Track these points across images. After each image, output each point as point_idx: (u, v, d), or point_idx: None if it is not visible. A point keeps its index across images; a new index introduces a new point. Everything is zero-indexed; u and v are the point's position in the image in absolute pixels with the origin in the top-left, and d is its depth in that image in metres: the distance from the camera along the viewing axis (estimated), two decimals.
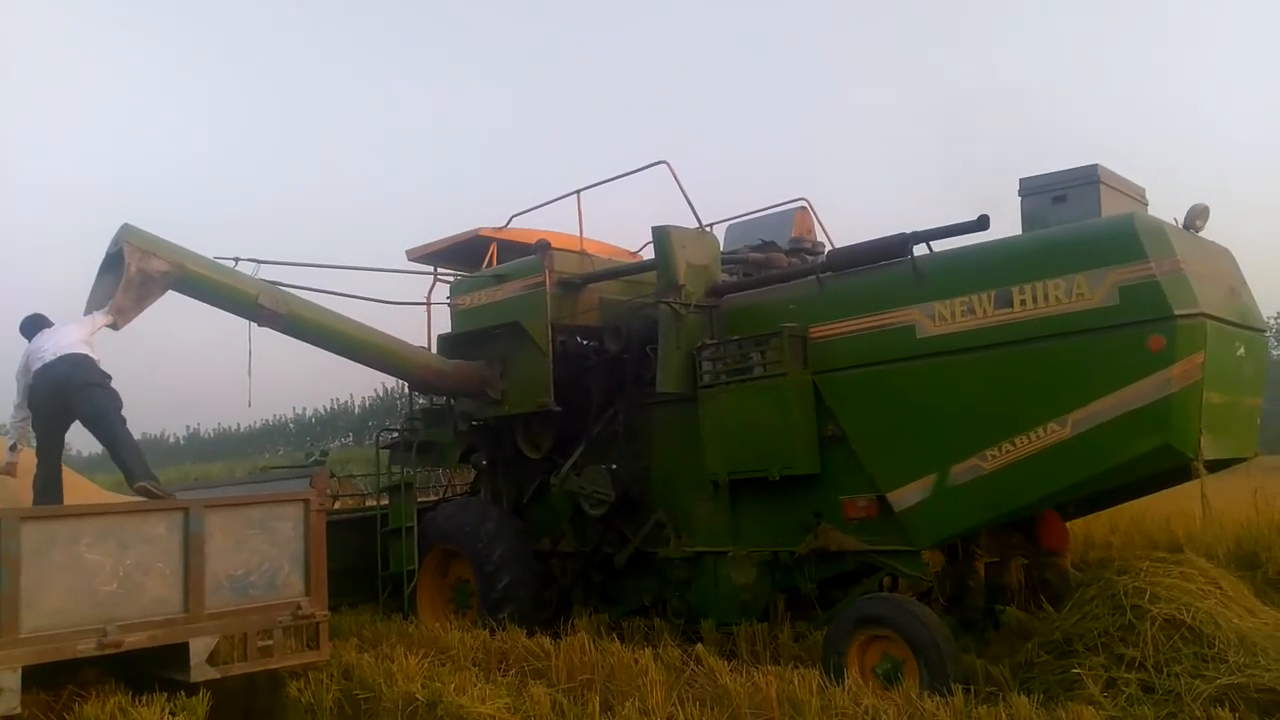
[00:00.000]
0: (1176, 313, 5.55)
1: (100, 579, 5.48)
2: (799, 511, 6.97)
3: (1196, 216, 6.43)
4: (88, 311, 7.08)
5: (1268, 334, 7.19)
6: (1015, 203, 6.74)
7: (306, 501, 6.39)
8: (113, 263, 7.22)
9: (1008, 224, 6.67)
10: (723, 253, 8.24)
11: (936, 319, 6.34)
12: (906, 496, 6.44)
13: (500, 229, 9.70)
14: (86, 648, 5.31)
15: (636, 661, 5.90)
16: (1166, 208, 6.52)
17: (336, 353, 8.44)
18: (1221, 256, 6.64)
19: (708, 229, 8.23)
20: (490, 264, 9.39)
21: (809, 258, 8.55)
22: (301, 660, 6.18)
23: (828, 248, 8.60)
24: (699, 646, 6.33)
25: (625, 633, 7.56)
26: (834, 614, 6.63)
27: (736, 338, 7.29)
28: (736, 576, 7.36)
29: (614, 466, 8.24)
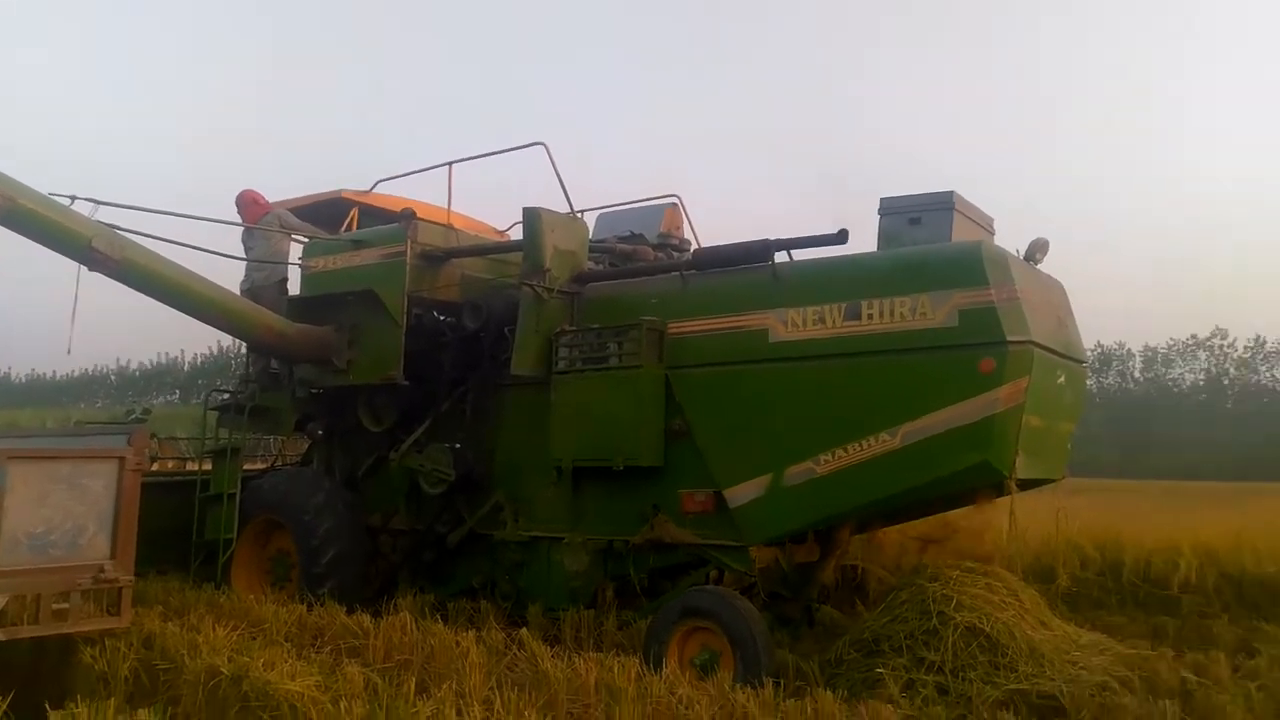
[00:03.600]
0: (1008, 339, 5.87)
1: None
2: (638, 502, 7.05)
3: (1037, 250, 6.82)
4: None
5: (1087, 365, 7.70)
6: (874, 221, 7.00)
7: (122, 460, 6.04)
8: None
9: (866, 240, 6.95)
10: (591, 241, 8.23)
11: (789, 325, 6.51)
12: (742, 494, 6.61)
13: (364, 193, 9.41)
14: None
15: (458, 643, 5.82)
16: (1012, 239, 6.91)
17: (173, 306, 7.98)
18: (1055, 289, 7.06)
19: (579, 215, 8.20)
20: (350, 228, 9.08)
21: (675, 254, 8.66)
22: (99, 626, 5.82)
23: (694, 246, 8.72)
24: (523, 631, 6.31)
25: (450, 614, 7.46)
26: (660, 604, 6.74)
27: (596, 326, 7.29)
28: (570, 563, 7.39)
29: (458, 445, 8.12)
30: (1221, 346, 78.54)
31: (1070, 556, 8.69)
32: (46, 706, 4.37)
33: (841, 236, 6.65)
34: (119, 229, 7.56)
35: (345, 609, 6.90)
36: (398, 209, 8.61)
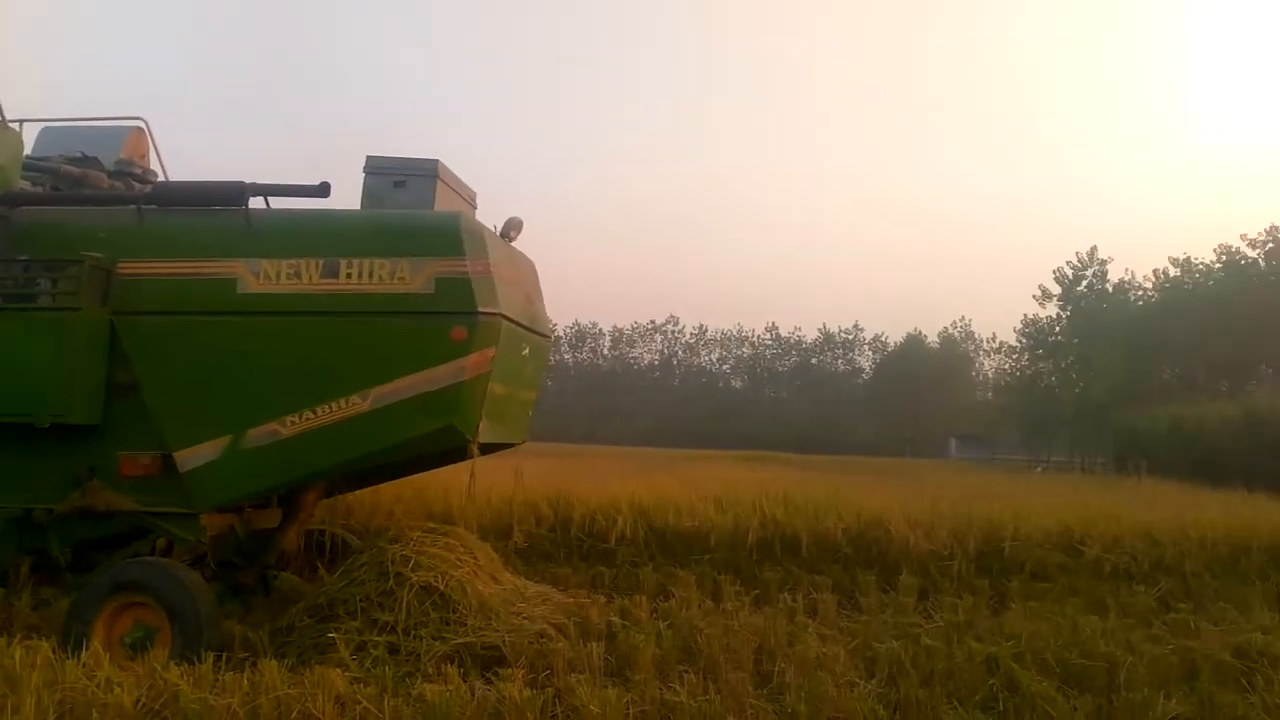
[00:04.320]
0: (479, 309, 6.06)
1: None
2: (68, 465, 6.18)
3: (511, 227, 7.13)
4: None
5: (550, 339, 8.24)
6: (359, 178, 6.82)
7: None
8: None
9: (349, 198, 6.75)
10: (29, 157, 7.02)
11: (261, 277, 6.12)
12: (195, 457, 6.10)
13: None
14: None
15: None
16: (493, 215, 7.16)
17: None
18: (526, 266, 7.44)
19: (13, 125, 6.92)
20: None
21: (136, 185, 7.67)
22: None
23: (162, 179, 7.84)
24: None
25: None
26: (89, 579, 6.01)
27: (25, 259, 6.25)
28: None
29: None
30: (673, 331, 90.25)
31: (526, 515, 9.31)
32: None
33: (323, 189, 6.39)
34: None
35: None
36: None
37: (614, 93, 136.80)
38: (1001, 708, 4.53)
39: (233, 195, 6.38)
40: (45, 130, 7.91)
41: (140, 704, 4.23)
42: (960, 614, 6.90)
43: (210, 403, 6.16)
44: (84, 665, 4.59)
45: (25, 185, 6.89)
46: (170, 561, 6.04)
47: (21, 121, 7.05)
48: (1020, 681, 4.91)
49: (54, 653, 4.73)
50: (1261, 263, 48.43)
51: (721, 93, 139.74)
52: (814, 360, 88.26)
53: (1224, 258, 50.37)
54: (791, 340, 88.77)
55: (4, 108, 6.85)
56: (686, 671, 5.23)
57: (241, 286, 6.15)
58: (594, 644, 5.64)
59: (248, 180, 6.42)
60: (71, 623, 5.49)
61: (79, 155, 7.57)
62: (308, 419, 6.06)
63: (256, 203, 6.52)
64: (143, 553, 6.28)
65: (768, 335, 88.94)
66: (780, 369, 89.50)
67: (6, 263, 6.26)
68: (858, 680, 5.12)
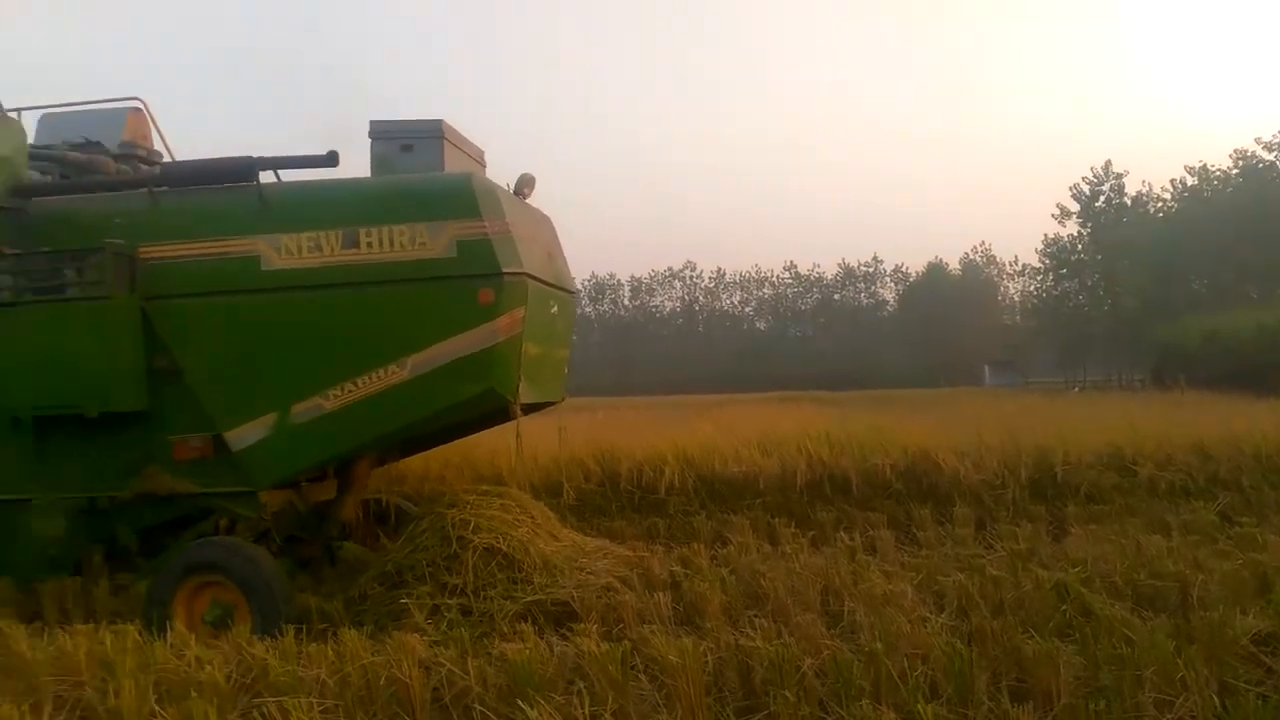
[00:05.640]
0: (504, 270, 6.03)
1: None
2: (123, 452, 6.27)
3: (524, 184, 7.05)
4: None
5: (575, 295, 8.22)
6: (366, 144, 6.73)
7: None
8: None
9: (358, 165, 6.68)
10: (33, 146, 7.01)
11: (283, 252, 6.11)
12: (245, 435, 6.17)
13: None
14: None
15: None
16: (503, 173, 7.09)
17: None
18: (543, 223, 7.38)
19: (13, 115, 6.89)
20: None
21: (142, 167, 7.63)
22: None
23: (166, 159, 7.80)
24: None
25: None
26: (160, 563, 6.12)
27: (47, 250, 6.27)
28: (42, 528, 6.36)
29: None
30: (691, 277, 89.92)
31: (574, 472, 9.38)
32: None
33: (331, 159, 6.32)
34: None
35: None
36: None
37: (613, 37, 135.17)
38: (1078, 634, 4.53)
39: (243, 171, 6.34)
40: (44, 118, 7.82)
41: (231, 679, 4.31)
42: (1021, 542, 6.90)
43: (251, 382, 6.20)
44: (172, 646, 4.67)
45: (33, 175, 6.89)
46: (237, 540, 6.12)
47: (18, 111, 7.00)
48: (1093, 606, 4.91)
49: (140, 636, 4.83)
50: (1279, 164, 47.60)
51: (718, 34, 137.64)
52: (836, 296, 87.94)
53: (1240, 163, 49.49)
54: (811, 278, 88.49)
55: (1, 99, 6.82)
56: (756, 616, 5.28)
57: (265, 263, 6.14)
58: (660, 594, 5.70)
59: (254, 155, 6.36)
60: (151, 607, 5.61)
61: (82, 141, 7.52)
62: (350, 391, 6.09)
63: (267, 178, 6.45)
64: (208, 533, 6.38)
65: (787, 274, 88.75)
66: (802, 307, 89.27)
67: (30, 255, 6.29)
68: (928, 615, 5.13)
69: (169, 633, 5.06)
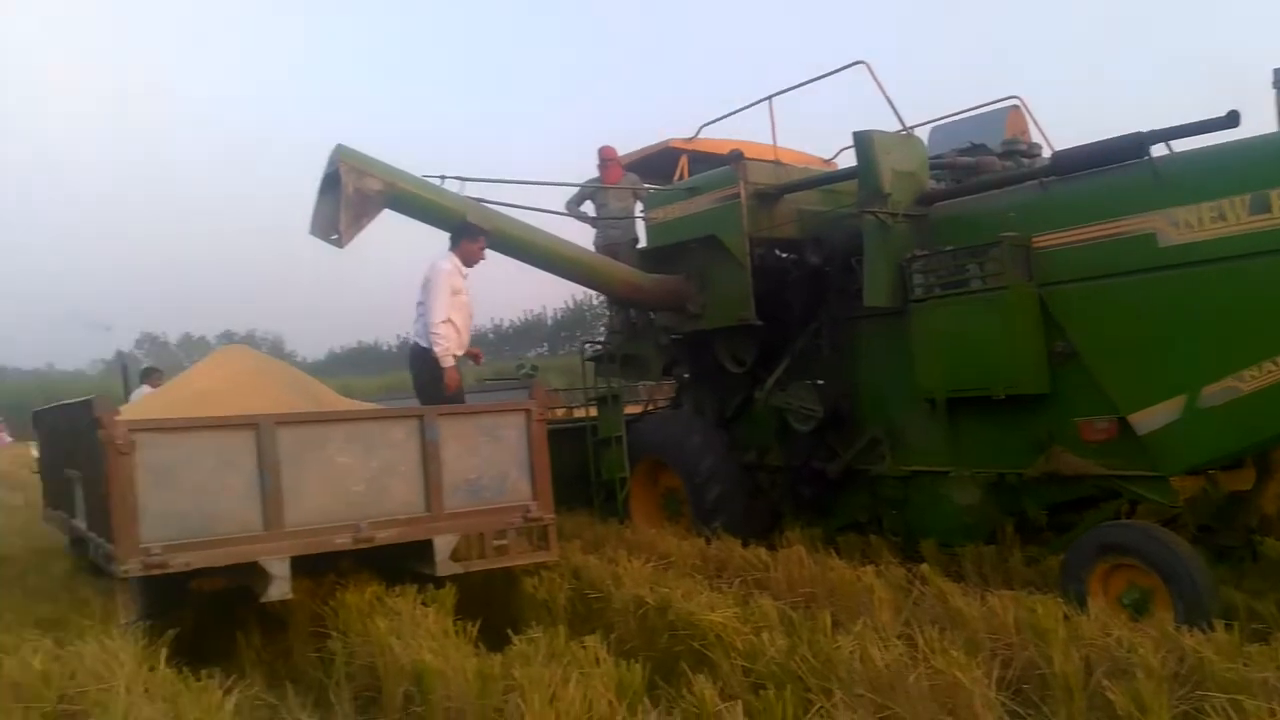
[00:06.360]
0: None
1: (350, 480, 5.84)
2: (1026, 432, 6.62)
3: None
4: (313, 229, 7.40)
5: None
6: (1266, 98, 5.97)
7: (528, 411, 6.58)
8: (330, 183, 7.36)
9: (1259, 122, 5.95)
10: (928, 158, 7.80)
11: (1181, 226, 5.78)
12: (1151, 419, 5.99)
13: (690, 140, 9.54)
14: (344, 541, 5.69)
15: (859, 579, 5.81)
16: None
17: (540, 267, 8.49)
18: None
19: (911, 132, 7.75)
20: (681, 176, 9.24)
21: (1025, 161, 7.95)
22: (534, 559, 6.44)
23: (1045, 150, 7.98)
24: (923, 566, 6.16)
25: (841, 548, 7.47)
26: (1071, 539, 6.31)
27: (951, 248, 6.88)
28: (959, 497, 7.10)
29: (820, 382, 8.05)
30: None
31: None
32: (510, 632, 4.87)
33: (1232, 119, 5.72)
34: (485, 202, 8.18)
35: (741, 542, 7.11)
36: (725, 151, 8.61)
37: None
38: None
39: (1133, 148, 6.12)
40: (934, 130, 8.65)
41: (1166, 667, 4.21)
42: None
43: (1153, 363, 5.99)
44: (1097, 622, 4.74)
45: (931, 184, 7.58)
46: (1151, 525, 5.99)
47: (914, 128, 7.77)
48: None
49: (1065, 608, 5.00)
50: None
51: None
52: None
53: None
54: None
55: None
56: None
57: (1161, 240, 5.87)
58: None
59: (1143, 130, 6.10)
60: (1068, 581, 5.80)
61: (968, 145, 8.09)
62: (1270, 372, 5.49)
63: (1158, 150, 6.15)
64: (1112, 515, 6.38)
65: None
66: None
67: (937, 255, 6.92)
68: None
69: (1088, 609, 5.17)
